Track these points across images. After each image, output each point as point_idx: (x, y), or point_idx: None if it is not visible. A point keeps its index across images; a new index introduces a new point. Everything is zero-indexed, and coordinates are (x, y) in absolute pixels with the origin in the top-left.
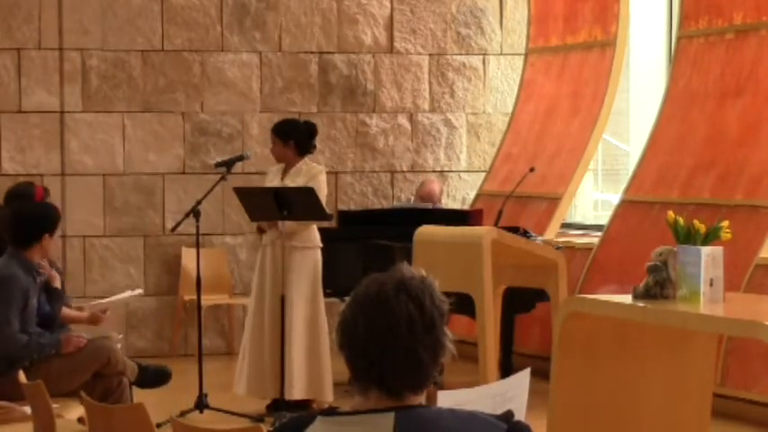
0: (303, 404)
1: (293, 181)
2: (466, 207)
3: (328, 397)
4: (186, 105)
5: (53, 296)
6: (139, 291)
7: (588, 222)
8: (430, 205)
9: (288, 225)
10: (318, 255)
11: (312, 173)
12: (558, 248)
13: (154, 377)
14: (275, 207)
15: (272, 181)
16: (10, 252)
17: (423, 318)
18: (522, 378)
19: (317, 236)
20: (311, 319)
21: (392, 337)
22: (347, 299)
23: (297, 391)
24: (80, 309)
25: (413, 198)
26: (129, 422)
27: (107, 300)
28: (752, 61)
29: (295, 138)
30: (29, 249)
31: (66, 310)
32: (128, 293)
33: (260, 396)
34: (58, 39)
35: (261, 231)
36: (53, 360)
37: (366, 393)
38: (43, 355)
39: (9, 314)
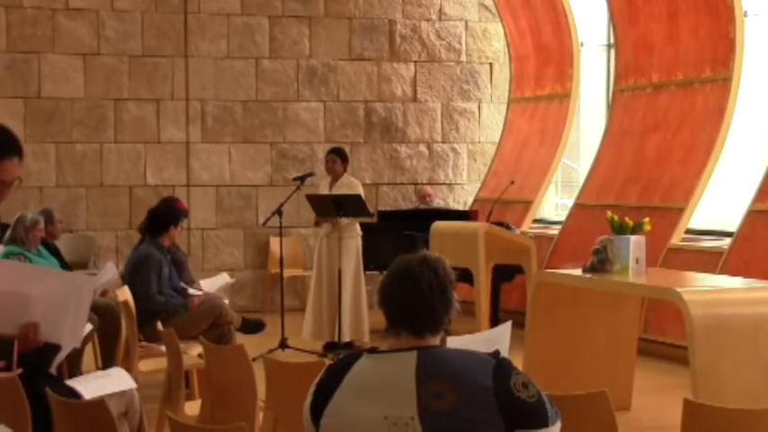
0: (349, 345)
1: (338, 190)
2: (466, 208)
3: (366, 338)
4: (273, 138)
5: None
6: (232, 280)
7: (552, 219)
8: (440, 205)
9: (343, 221)
10: (360, 241)
11: (353, 184)
12: (530, 237)
13: (254, 326)
14: (334, 208)
15: (323, 190)
16: (147, 239)
17: (438, 282)
18: (506, 328)
19: (358, 228)
20: (356, 285)
21: (417, 296)
22: (385, 272)
23: (346, 335)
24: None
25: (415, 198)
26: (233, 358)
27: (211, 285)
28: (664, 108)
29: (346, 159)
30: (160, 236)
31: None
32: (223, 282)
33: (321, 339)
34: (185, 92)
35: (317, 225)
36: (182, 315)
37: (398, 336)
38: (175, 311)
39: (150, 281)
